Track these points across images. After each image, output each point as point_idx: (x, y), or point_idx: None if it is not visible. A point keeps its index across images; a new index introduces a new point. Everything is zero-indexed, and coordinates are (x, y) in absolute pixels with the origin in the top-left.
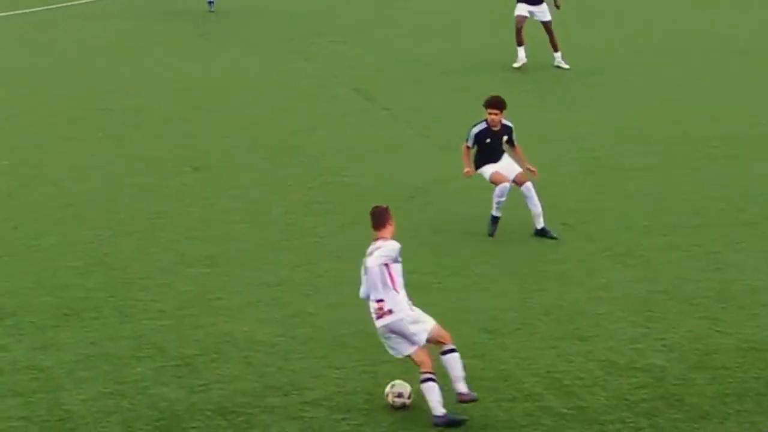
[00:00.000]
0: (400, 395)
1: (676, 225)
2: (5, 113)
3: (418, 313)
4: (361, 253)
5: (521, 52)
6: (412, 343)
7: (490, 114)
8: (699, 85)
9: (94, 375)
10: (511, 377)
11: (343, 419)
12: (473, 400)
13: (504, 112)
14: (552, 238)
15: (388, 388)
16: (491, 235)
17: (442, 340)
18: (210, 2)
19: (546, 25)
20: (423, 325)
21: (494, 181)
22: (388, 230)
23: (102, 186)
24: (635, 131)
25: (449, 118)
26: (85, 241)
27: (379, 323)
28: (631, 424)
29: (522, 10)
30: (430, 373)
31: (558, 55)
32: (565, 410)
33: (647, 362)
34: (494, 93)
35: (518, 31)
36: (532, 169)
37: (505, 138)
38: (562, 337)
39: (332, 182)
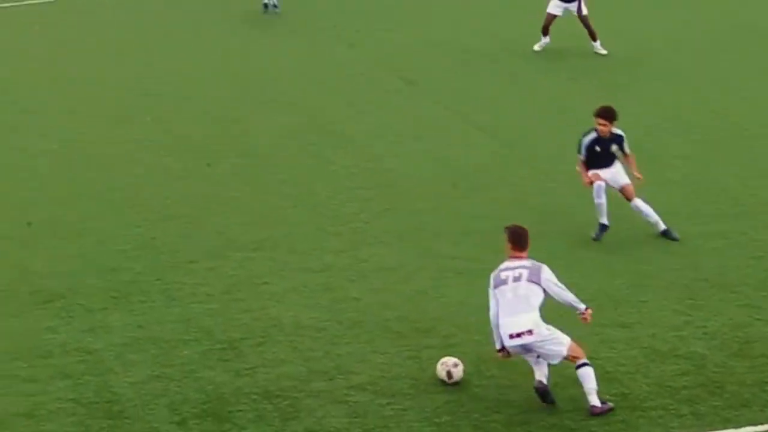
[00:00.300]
0: (456, 364)
1: (719, 213)
2: (55, 96)
3: (553, 331)
4: (403, 238)
5: (544, 39)
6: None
7: (599, 125)
8: (741, 72)
9: (141, 358)
10: None
11: (387, 404)
12: (609, 410)
13: (615, 122)
14: (674, 239)
15: (442, 365)
16: (595, 239)
17: (578, 356)
18: (275, 6)
19: (583, 19)
20: (560, 347)
21: (590, 182)
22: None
23: (150, 170)
24: (677, 119)
25: (493, 105)
26: (133, 225)
27: (519, 341)
28: (673, 411)
29: (554, 8)
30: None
31: (597, 43)
32: (608, 396)
33: (689, 350)
34: (605, 105)
35: (546, 26)
36: (638, 176)
37: (614, 147)
38: (606, 324)
39: (376, 168)
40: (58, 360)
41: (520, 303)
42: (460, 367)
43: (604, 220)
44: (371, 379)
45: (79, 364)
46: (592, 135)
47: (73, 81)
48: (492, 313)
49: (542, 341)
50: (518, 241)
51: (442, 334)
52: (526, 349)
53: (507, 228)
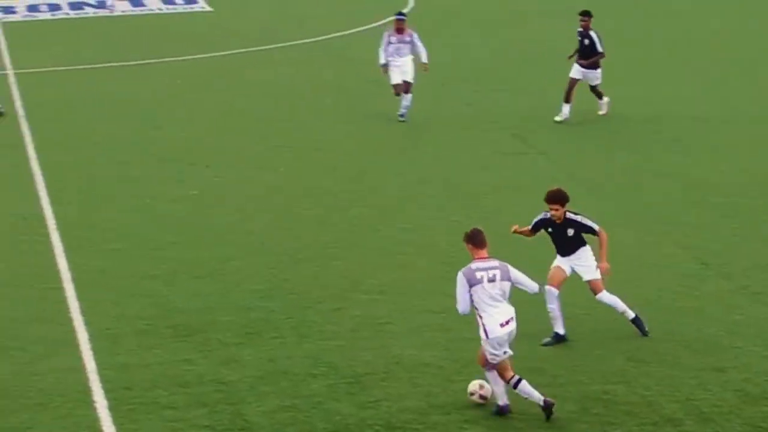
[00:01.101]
0: (481, 386)
1: None
2: (194, 148)
3: None
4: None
5: (566, 108)
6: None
7: (551, 209)
8: None
9: (273, 389)
10: (654, 403)
11: None
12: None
13: (567, 205)
14: (643, 332)
15: (476, 387)
16: (545, 345)
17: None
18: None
19: (593, 88)
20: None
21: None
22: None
23: (281, 216)
24: None
25: (598, 162)
26: (267, 267)
27: (508, 329)
28: None
29: (576, 72)
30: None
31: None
32: None
33: None
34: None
35: (568, 91)
36: (603, 265)
37: (571, 231)
38: (702, 368)
39: (490, 219)
40: (196, 389)
41: (499, 297)
42: (486, 388)
43: (559, 329)
44: (484, 414)
45: (215, 394)
46: (543, 215)
47: (211, 133)
48: (462, 308)
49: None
50: (478, 241)
51: (549, 374)
52: (506, 341)
53: (465, 234)
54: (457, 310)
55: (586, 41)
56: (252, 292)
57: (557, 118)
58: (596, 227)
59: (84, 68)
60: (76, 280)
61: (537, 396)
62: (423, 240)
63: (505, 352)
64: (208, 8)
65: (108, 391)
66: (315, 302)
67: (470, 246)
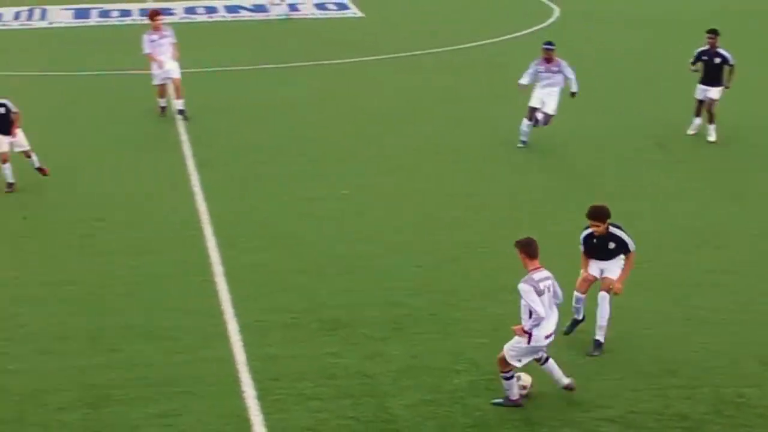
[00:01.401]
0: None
1: None
2: (345, 148)
3: None
4: (652, 288)
5: (697, 120)
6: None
7: (592, 226)
8: None
9: (415, 384)
10: None
11: None
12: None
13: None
14: (594, 353)
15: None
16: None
17: None
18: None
19: (710, 107)
20: None
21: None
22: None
23: (428, 216)
24: None
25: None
26: (413, 264)
27: (548, 341)
28: None
29: (701, 93)
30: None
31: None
32: None
33: None
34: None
35: (698, 108)
36: (618, 286)
37: (612, 245)
38: None
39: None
40: (341, 382)
41: (549, 309)
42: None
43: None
44: (620, 413)
45: (360, 387)
46: (587, 231)
47: (351, 135)
48: (543, 312)
49: None
50: (532, 250)
51: (687, 376)
52: (538, 352)
53: (519, 242)
54: (538, 317)
55: (717, 60)
56: (398, 289)
57: (690, 132)
58: (632, 247)
59: (238, 70)
60: (228, 273)
61: (514, 392)
62: (564, 242)
63: (521, 360)
64: (359, 14)
65: (256, 381)
66: (459, 300)
67: (523, 255)
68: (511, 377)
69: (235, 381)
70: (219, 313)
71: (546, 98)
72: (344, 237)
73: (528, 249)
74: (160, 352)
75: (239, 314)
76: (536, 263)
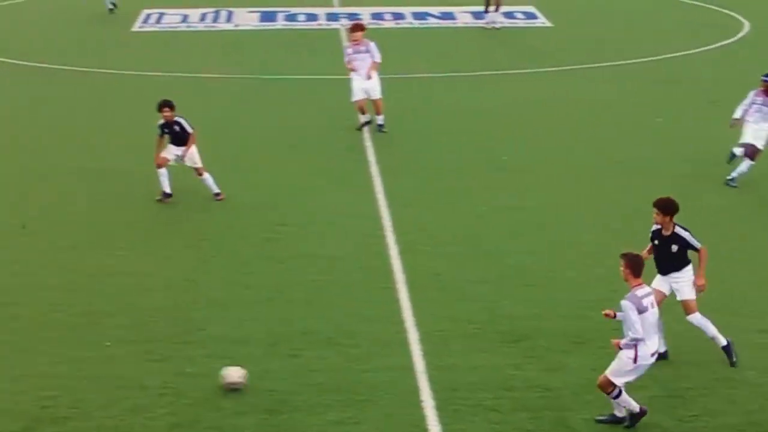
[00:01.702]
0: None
1: None
2: (529, 159)
3: None
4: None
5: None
6: None
7: (654, 213)
8: None
9: (596, 398)
10: None
11: None
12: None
13: (673, 217)
14: (731, 361)
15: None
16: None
17: None
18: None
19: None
20: None
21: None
22: None
23: (615, 230)
24: None
25: None
26: (598, 278)
27: (653, 359)
28: None
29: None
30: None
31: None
32: None
33: None
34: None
35: None
36: (700, 282)
37: (674, 247)
38: None
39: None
40: (520, 394)
41: (654, 326)
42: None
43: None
44: None
45: (539, 399)
46: (655, 226)
47: (547, 146)
48: (642, 334)
49: None
50: (638, 268)
51: None
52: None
53: (625, 256)
54: (635, 338)
55: None
56: (581, 302)
57: None
58: (699, 245)
59: (423, 77)
60: (410, 282)
61: (633, 404)
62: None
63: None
64: (548, 23)
65: (435, 392)
66: None
67: (628, 270)
68: (619, 394)
69: (414, 390)
70: (399, 321)
71: (759, 132)
72: (528, 248)
73: (634, 265)
74: (340, 358)
75: (420, 323)
76: (639, 279)
